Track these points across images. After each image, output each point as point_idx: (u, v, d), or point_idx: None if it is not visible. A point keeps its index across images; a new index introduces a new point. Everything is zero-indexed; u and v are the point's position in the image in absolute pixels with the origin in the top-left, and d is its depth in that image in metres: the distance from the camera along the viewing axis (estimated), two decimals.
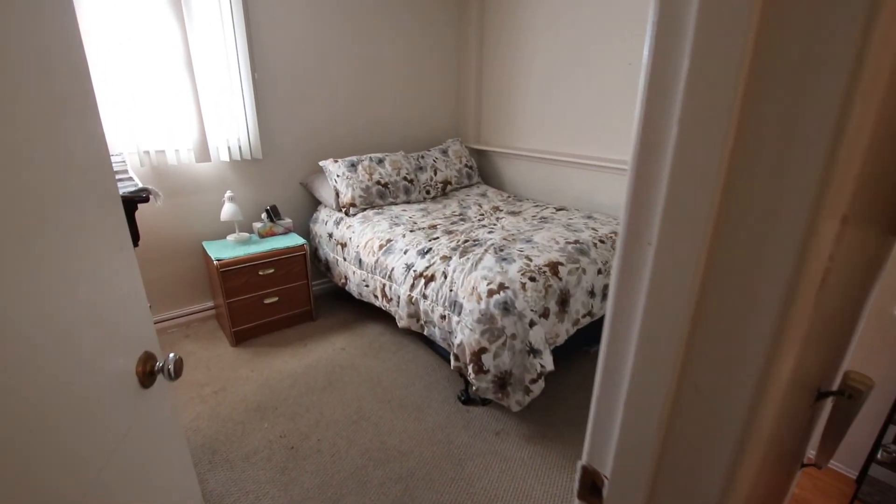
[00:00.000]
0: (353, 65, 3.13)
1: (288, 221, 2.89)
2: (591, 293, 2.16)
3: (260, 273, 2.60)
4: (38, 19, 0.60)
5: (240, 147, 2.75)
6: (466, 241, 2.33)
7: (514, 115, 3.52)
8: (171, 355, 0.80)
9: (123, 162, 2.03)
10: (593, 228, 2.50)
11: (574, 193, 3.17)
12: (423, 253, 2.26)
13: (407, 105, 3.50)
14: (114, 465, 0.71)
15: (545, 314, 1.93)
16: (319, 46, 2.95)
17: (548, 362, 1.87)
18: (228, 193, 2.62)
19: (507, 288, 1.89)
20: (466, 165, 3.53)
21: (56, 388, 0.59)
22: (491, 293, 1.88)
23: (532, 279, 1.94)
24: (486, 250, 2.17)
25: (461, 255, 2.15)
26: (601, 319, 2.26)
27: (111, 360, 0.74)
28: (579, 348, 2.48)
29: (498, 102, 3.62)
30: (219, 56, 2.58)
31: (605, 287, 2.23)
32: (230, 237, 2.71)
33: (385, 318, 2.89)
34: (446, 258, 2.17)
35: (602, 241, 2.34)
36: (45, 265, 0.59)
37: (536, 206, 3.06)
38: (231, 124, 2.71)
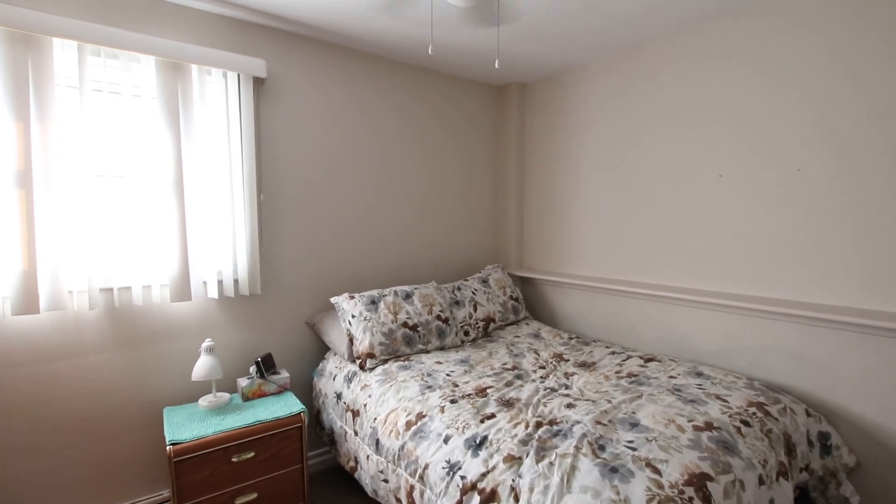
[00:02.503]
0: (375, 185, 2.68)
1: (284, 377, 2.17)
2: None
3: (234, 460, 1.81)
4: None
5: (235, 280, 2.17)
6: (539, 422, 1.55)
7: (564, 237, 2.95)
8: None
9: None
10: (717, 396, 1.71)
11: (657, 334, 2.43)
12: (476, 446, 1.48)
13: (438, 228, 2.98)
14: None
15: None
16: (337, 165, 2.53)
17: None
18: (207, 343, 1.96)
19: None
20: (512, 297, 2.87)
21: None
22: None
23: None
24: (576, 446, 1.38)
25: (538, 455, 1.36)
26: None
27: None
28: None
29: (543, 223, 3.09)
30: (218, 176, 2.13)
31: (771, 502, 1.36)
32: (202, 401, 1.99)
33: None
34: (514, 459, 1.37)
35: (746, 423, 1.53)
36: None
37: (612, 352, 2.31)
38: (224, 254, 2.16)
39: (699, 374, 1.95)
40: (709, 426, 1.49)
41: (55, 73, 1.73)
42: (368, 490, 1.87)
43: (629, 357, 2.22)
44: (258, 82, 2.20)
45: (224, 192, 2.15)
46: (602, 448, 1.37)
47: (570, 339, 2.57)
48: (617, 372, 2.04)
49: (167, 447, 1.70)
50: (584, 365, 2.16)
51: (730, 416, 1.56)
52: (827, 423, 1.78)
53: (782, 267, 1.98)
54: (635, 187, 2.53)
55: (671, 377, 1.94)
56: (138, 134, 1.93)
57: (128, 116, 1.89)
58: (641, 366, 2.10)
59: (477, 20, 2.16)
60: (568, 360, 2.22)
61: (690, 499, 1.17)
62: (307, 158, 2.41)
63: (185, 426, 1.83)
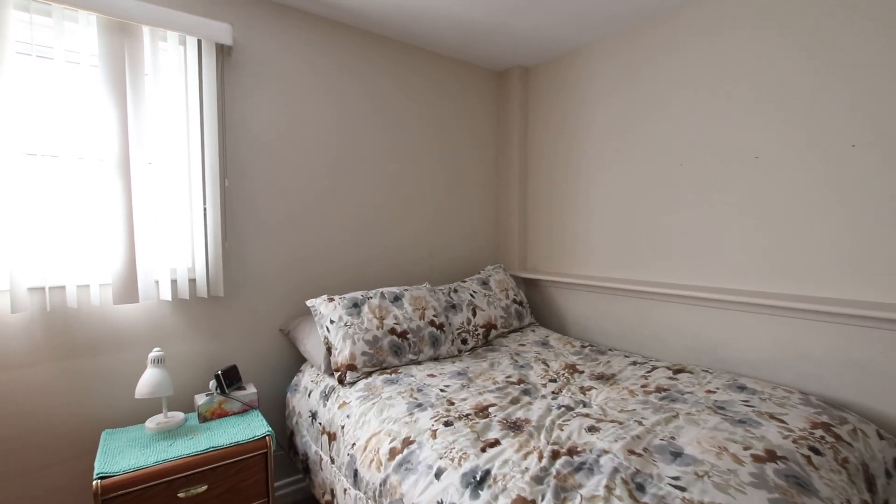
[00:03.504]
0: (358, 172, 2.38)
1: (250, 393, 1.84)
2: None
3: (181, 495, 1.48)
4: None
5: (191, 280, 1.86)
6: (556, 451, 1.23)
7: (572, 234, 2.65)
8: None
9: None
10: (771, 415, 1.40)
11: (684, 342, 2.11)
12: (476, 483, 1.15)
13: (432, 222, 2.68)
14: None
15: None
16: (315, 149, 2.23)
17: None
18: (154, 353, 1.64)
19: None
20: (515, 301, 2.56)
21: None
22: None
23: None
24: (607, 486, 1.06)
25: (557, 499, 1.04)
26: None
27: None
28: None
29: (549, 218, 2.79)
30: (174, 157, 1.83)
31: None
32: (150, 422, 1.66)
33: None
34: (526, 502, 1.05)
35: (816, 452, 1.21)
36: None
37: (633, 362, 1.99)
38: (180, 249, 1.86)
39: (742, 389, 1.64)
40: (772, 456, 1.17)
41: (9, 34, 1.44)
42: None
43: (654, 368, 1.90)
44: (223, 51, 1.92)
45: (180, 177, 1.85)
46: (641, 488, 1.05)
47: (584, 347, 2.25)
48: (643, 386, 1.72)
49: (94, 481, 1.37)
50: (602, 378, 1.84)
51: (794, 442, 1.24)
52: None
53: (834, 262, 1.68)
54: (654, 174, 2.24)
55: (709, 392, 1.63)
56: (76, 107, 1.63)
57: (63, 86, 1.59)
58: (671, 378, 1.78)
59: None
60: (583, 372, 1.91)
61: None
62: (280, 141, 2.11)
63: (122, 454, 1.50)
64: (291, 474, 2.16)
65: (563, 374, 1.88)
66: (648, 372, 1.86)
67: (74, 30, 1.64)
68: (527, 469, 1.15)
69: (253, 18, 2.02)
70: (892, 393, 1.55)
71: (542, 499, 1.04)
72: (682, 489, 1.04)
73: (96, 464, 1.45)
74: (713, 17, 1.99)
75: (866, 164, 1.60)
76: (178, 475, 1.47)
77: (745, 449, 1.20)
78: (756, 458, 1.16)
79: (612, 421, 1.42)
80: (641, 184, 2.29)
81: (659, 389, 1.67)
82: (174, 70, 1.83)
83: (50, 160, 1.62)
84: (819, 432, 1.31)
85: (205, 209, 1.86)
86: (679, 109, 2.12)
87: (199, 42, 1.84)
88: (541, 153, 2.83)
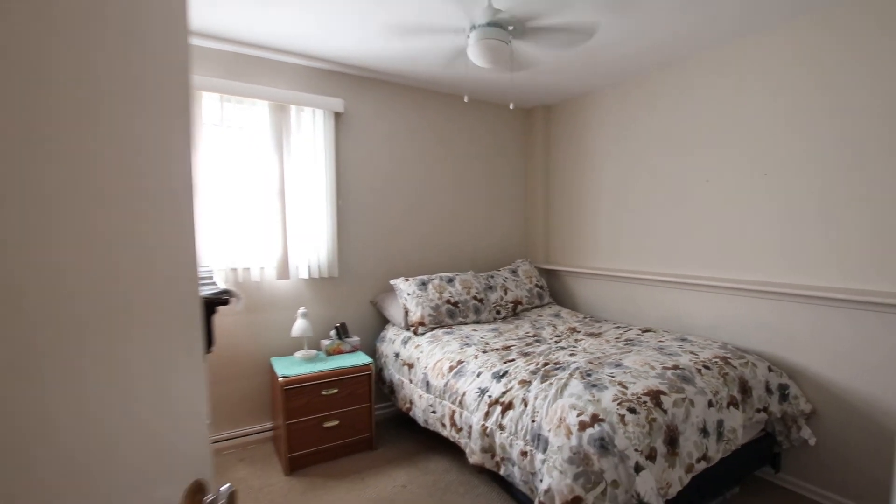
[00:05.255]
0: (425, 192, 3.31)
1: (356, 339, 2.82)
2: (704, 431, 1.79)
3: (323, 393, 2.46)
4: (168, 157, 0.62)
5: (318, 266, 2.85)
6: (546, 363, 2.10)
7: (583, 235, 3.46)
8: (225, 488, 0.65)
9: (210, 270, 2.12)
10: (691, 352, 2.19)
11: (659, 314, 2.90)
12: (499, 376, 2.05)
13: (476, 228, 3.58)
14: None
15: (651, 456, 1.59)
16: (395, 176, 3.19)
17: None
18: (302, 310, 2.65)
19: (603, 420, 1.60)
20: (537, 285, 3.41)
21: None
22: (583, 426, 1.60)
23: (632, 410, 1.64)
24: (570, 374, 1.92)
25: (542, 380, 1.92)
26: (720, 465, 1.83)
27: (156, 488, 0.61)
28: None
29: (566, 223, 3.61)
30: (309, 186, 2.83)
31: (720, 423, 1.85)
32: (298, 354, 2.67)
33: (452, 451, 2.56)
34: (525, 382, 1.94)
35: (707, 367, 2.01)
36: (100, 364, 0.51)
37: (617, 327, 2.80)
38: (312, 245, 2.85)
39: (684, 340, 2.43)
40: (675, 367, 1.98)
41: (203, 114, 2.48)
42: (420, 421, 2.47)
43: (630, 329, 2.71)
44: (337, 116, 2.91)
45: (313, 198, 2.85)
46: (589, 374, 1.91)
47: (585, 318, 3.08)
48: (616, 338, 2.54)
49: (279, 379, 2.38)
50: (591, 335, 2.67)
51: (694, 363, 2.05)
52: (787, 378, 2.21)
53: (763, 254, 2.42)
54: (644, 192, 3.02)
55: (660, 342, 2.43)
56: (251, 156, 2.66)
57: (242, 144, 2.63)
58: (638, 334, 2.59)
59: (501, 70, 2.75)
60: (580, 332, 2.74)
61: (645, 402, 1.69)
62: (371, 172, 3.08)
63: (288, 368, 2.51)
64: (381, 401, 3.13)
65: (566, 333, 2.73)
66: (624, 331, 2.67)
67: (252, 109, 2.67)
68: (528, 370, 2.04)
69: (356, 91, 3.00)
70: (790, 346, 2.29)
71: (533, 378, 1.92)
72: (612, 377, 1.88)
73: (277, 371, 2.45)
74: (702, 69, 2.76)
75: (777, 185, 2.34)
76: (321, 381, 2.46)
77: (661, 365, 2.02)
78: (664, 367, 1.98)
79: (585, 352, 2.27)
80: (633, 199, 3.08)
81: (626, 341, 2.49)
82: (309, 130, 2.83)
83: (235, 189, 2.65)
84: (717, 360, 2.10)
85: (329, 218, 2.85)
86: (657, 153, 2.90)
87: (323, 112, 2.83)
88: (560, 175, 3.66)
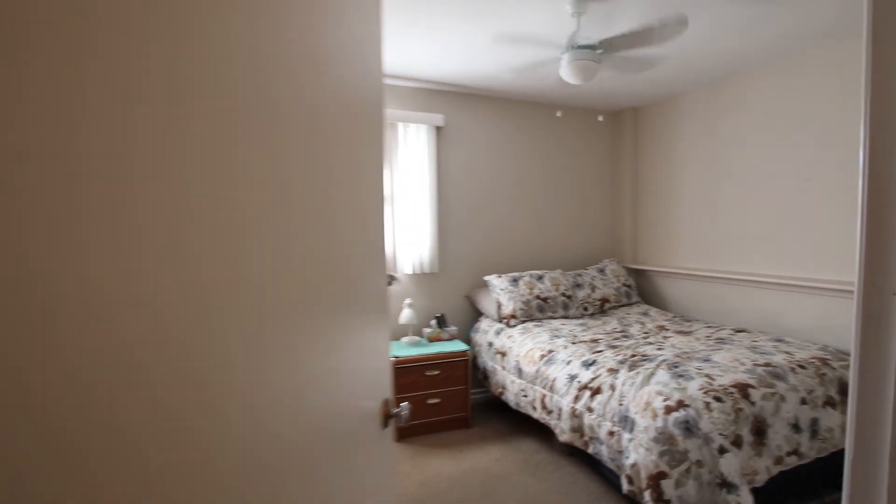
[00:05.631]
0: (515, 195, 3.56)
1: (453, 329, 3.16)
2: (796, 427, 1.84)
3: (426, 374, 2.82)
4: (373, 175, 0.96)
5: (421, 263, 3.23)
6: (634, 355, 2.26)
7: (673, 235, 3.48)
8: (404, 405, 0.98)
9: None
10: (787, 352, 2.21)
11: (754, 316, 2.87)
12: (588, 364, 2.24)
13: (564, 229, 3.75)
14: (360, 494, 0.87)
15: (737, 442, 1.70)
16: (488, 181, 3.47)
17: (746, 501, 1.59)
18: (408, 300, 3.04)
19: (688, 406, 1.74)
20: (625, 284, 3.50)
21: (334, 418, 0.79)
22: (668, 410, 1.75)
23: (717, 399, 1.76)
24: (657, 366, 2.07)
25: (630, 369, 2.08)
26: (816, 465, 1.86)
27: (365, 402, 0.95)
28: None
29: (655, 224, 3.65)
30: (413, 193, 3.22)
31: (814, 422, 1.88)
32: (404, 339, 3.06)
33: (541, 433, 2.79)
34: (613, 371, 2.12)
35: (802, 367, 2.04)
36: (338, 326, 0.85)
37: (709, 327, 2.83)
38: (419, 245, 3.23)
39: (780, 341, 2.42)
40: (767, 364, 2.04)
41: None
42: (512, 404, 2.73)
43: (722, 329, 2.73)
44: (438, 130, 3.27)
45: (417, 203, 3.24)
46: (675, 366, 2.04)
47: (675, 317, 3.13)
48: (707, 336, 2.60)
49: (391, 359, 2.78)
50: (681, 332, 2.74)
51: (788, 362, 2.08)
52: None
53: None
54: (735, 191, 3.01)
55: (754, 342, 2.45)
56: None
57: None
58: (730, 334, 2.62)
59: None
60: (668, 330, 2.82)
61: (732, 393, 1.80)
62: (466, 179, 3.40)
63: (398, 350, 2.91)
64: (475, 387, 3.44)
65: (654, 330, 2.83)
66: (716, 331, 2.71)
67: None
68: (616, 360, 2.21)
69: (455, 106, 3.33)
70: None
71: (621, 367, 2.10)
72: (699, 370, 2.00)
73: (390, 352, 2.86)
74: (773, 71, 2.73)
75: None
76: (425, 363, 2.82)
77: (752, 362, 2.08)
78: (755, 364, 2.04)
79: (673, 347, 2.37)
80: (726, 199, 3.07)
81: (717, 340, 2.54)
82: (413, 143, 3.22)
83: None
84: (814, 360, 2.11)
85: (431, 221, 3.22)
86: (749, 147, 2.88)
87: (427, 127, 3.20)
88: (649, 176, 3.70)
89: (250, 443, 0.54)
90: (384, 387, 1.02)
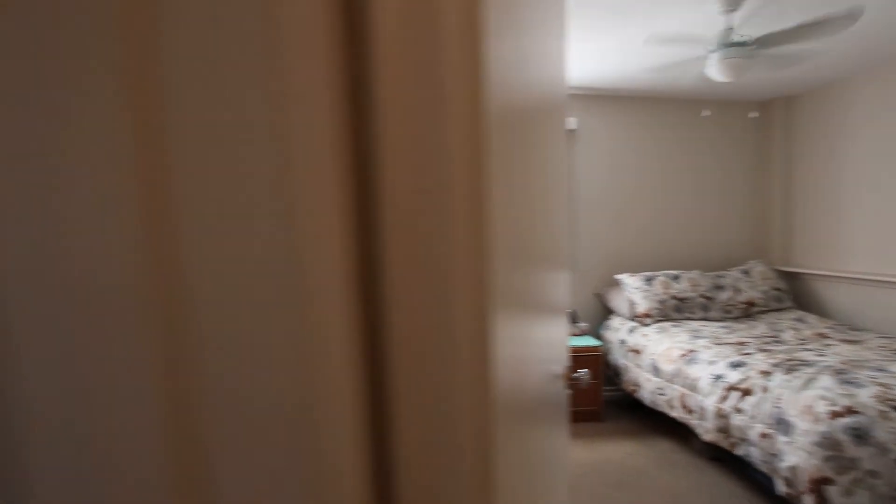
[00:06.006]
0: (648, 191, 3.53)
1: (584, 325, 3.26)
2: None
3: None
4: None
5: None
6: (790, 359, 2.16)
7: (836, 235, 3.15)
8: (583, 371, 1.17)
9: None
10: None
11: None
12: (735, 366, 2.21)
13: (705, 228, 3.60)
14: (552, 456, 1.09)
15: None
16: (619, 175, 3.49)
17: None
18: None
19: (859, 413, 1.66)
20: (774, 288, 3.26)
21: (536, 381, 1.01)
22: (834, 415, 1.69)
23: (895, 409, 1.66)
24: (819, 371, 1.97)
25: (786, 372, 2.02)
26: None
27: (555, 367, 1.16)
28: None
29: (812, 222, 3.33)
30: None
31: None
32: None
33: (676, 434, 2.77)
34: (765, 373, 2.07)
35: None
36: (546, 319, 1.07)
37: (884, 337, 2.55)
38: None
39: None
40: None
41: None
42: (647, 402, 2.76)
43: None
44: (571, 132, 3.39)
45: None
46: (842, 373, 1.93)
47: (838, 325, 2.85)
48: (881, 346, 2.36)
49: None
50: (847, 341, 2.51)
51: None
52: None
53: None
54: None
55: None
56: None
57: None
58: None
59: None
60: (831, 338, 2.60)
61: None
62: (598, 179, 3.47)
63: None
64: (606, 384, 3.50)
65: (812, 337, 2.63)
66: (893, 342, 2.43)
67: None
68: (768, 363, 2.14)
69: (585, 108, 3.43)
70: None
71: (774, 370, 2.04)
72: (872, 378, 1.86)
73: None
74: None
75: None
76: None
77: None
78: None
79: (838, 354, 2.21)
80: None
81: (894, 351, 2.29)
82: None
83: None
84: None
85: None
86: None
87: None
88: (804, 170, 3.39)
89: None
90: (563, 357, 1.23)
